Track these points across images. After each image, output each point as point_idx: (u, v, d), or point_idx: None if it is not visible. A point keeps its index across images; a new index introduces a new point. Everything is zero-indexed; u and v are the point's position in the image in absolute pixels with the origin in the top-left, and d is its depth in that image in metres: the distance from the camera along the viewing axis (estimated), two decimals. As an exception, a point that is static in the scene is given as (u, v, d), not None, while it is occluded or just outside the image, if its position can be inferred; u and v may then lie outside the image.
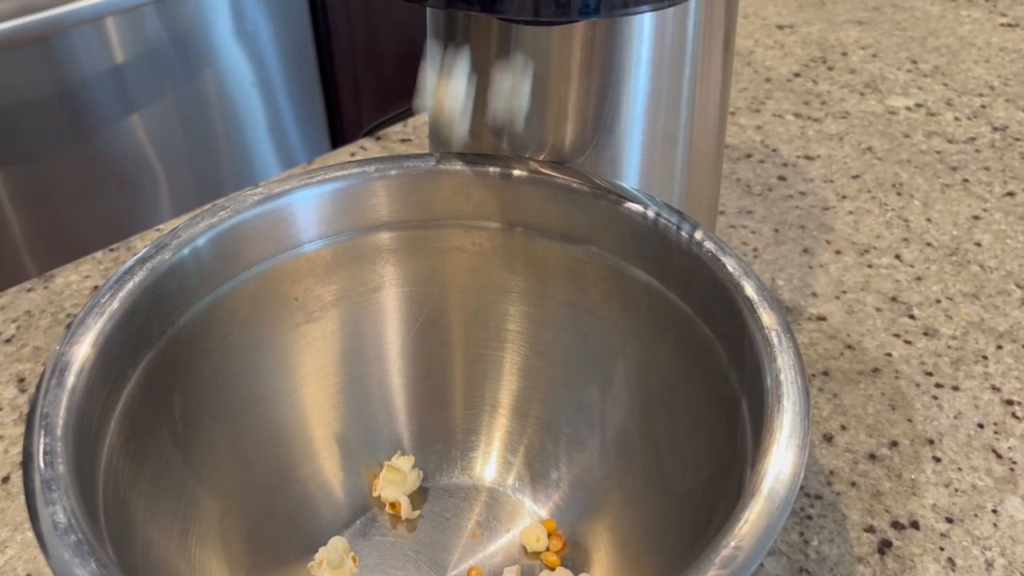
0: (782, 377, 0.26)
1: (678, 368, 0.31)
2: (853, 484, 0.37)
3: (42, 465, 0.23)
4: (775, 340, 0.27)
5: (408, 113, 0.59)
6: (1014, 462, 0.38)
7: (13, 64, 0.75)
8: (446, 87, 0.31)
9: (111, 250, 0.48)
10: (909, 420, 0.40)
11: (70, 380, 0.25)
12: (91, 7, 0.75)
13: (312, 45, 0.98)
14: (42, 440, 0.24)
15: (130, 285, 0.28)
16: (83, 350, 0.26)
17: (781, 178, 0.54)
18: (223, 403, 0.32)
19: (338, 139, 1.05)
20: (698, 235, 0.30)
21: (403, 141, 0.57)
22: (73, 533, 0.22)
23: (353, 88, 1.04)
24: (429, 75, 0.32)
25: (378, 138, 0.57)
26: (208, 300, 0.31)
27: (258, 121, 0.95)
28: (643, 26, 0.31)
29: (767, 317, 0.27)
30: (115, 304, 0.27)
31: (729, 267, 0.29)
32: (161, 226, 0.51)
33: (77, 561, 0.21)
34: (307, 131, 1.02)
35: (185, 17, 0.84)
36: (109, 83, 0.81)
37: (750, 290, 0.28)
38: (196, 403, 0.31)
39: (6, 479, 0.37)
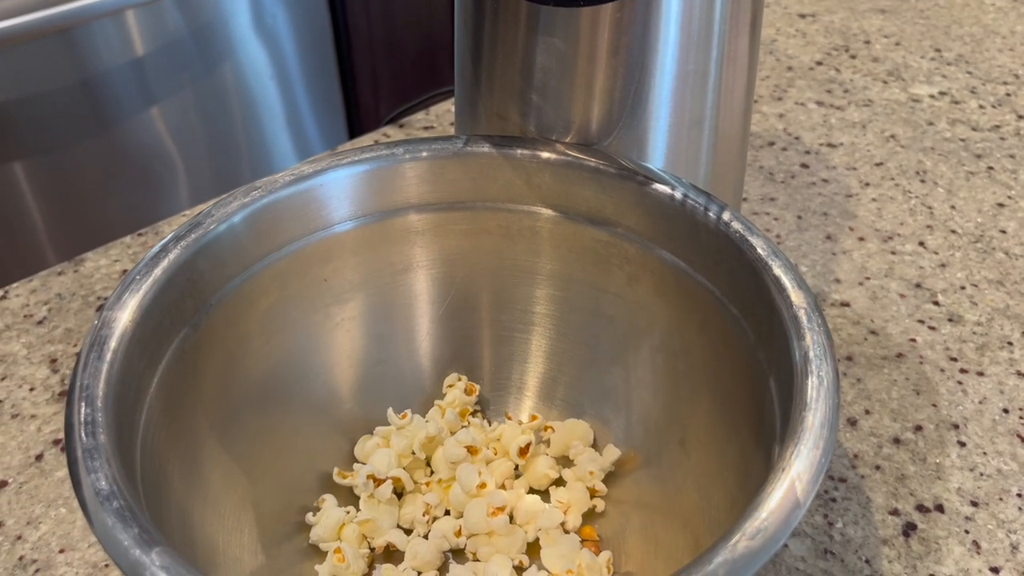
0: (811, 355, 0.26)
1: (705, 349, 0.32)
2: (877, 467, 0.37)
3: (83, 435, 0.24)
4: (804, 319, 0.27)
5: (428, 102, 0.60)
6: (1040, 447, 0.38)
7: (35, 56, 0.76)
8: None
9: (139, 235, 0.49)
10: (934, 405, 0.40)
11: (109, 353, 0.26)
12: (112, 0, 0.76)
13: (331, 37, 0.98)
14: (83, 410, 0.24)
15: (165, 262, 0.28)
16: (121, 324, 0.26)
17: (804, 165, 0.54)
18: (254, 380, 0.32)
19: (356, 131, 1.06)
20: (726, 216, 0.30)
21: (426, 128, 0.57)
22: (115, 500, 0.22)
23: (371, 80, 1.04)
24: None
25: (401, 125, 0.58)
26: (240, 279, 0.31)
27: (276, 113, 0.96)
28: (671, 8, 0.31)
29: (795, 296, 0.28)
30: (151, 280, 0.28)
31: (757, 247, 0.29)
32: (186, 212, 0.52)
33: (120, 527, 0.22)
34: (325, 123, 1.02)
35: (204, 10, 0.85)
36: (129, 75, 0.82)
37: (778, 270, 0.28)
38: (228, 380, 0.31)
39: (40, 457, 0.38)
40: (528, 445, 0.35)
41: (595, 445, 0.36)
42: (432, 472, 0.35)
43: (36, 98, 0.77)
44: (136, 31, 0.81)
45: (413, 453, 0.34)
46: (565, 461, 0.35)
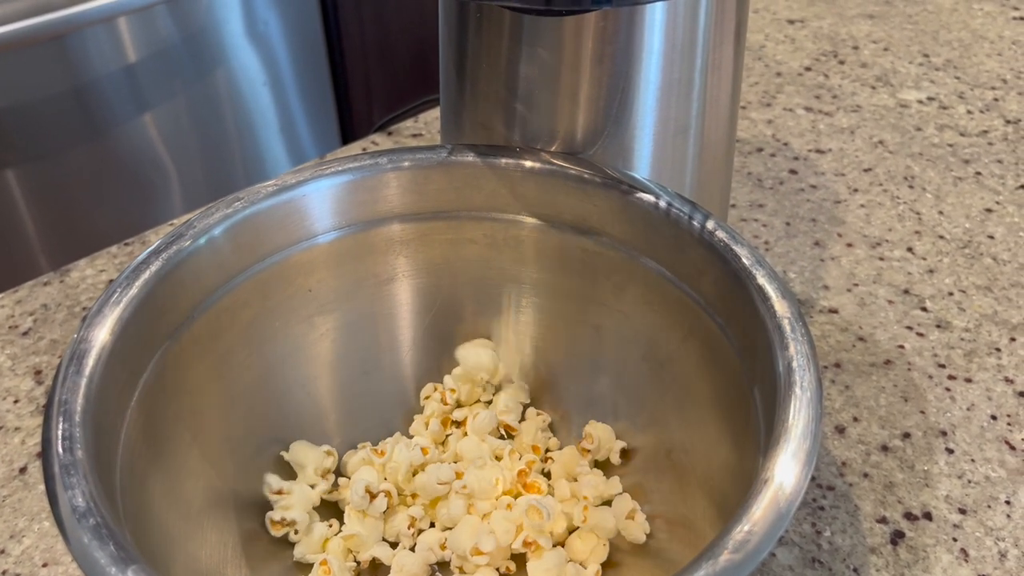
0: (794, 365, 0.26)
1: (690, 358, 0.31)
2: (866, 475, 0.37)
3: (61, 451, 0.23)
4: (787, 328, 0.27)
5: (419, 109, 0.60)
6: (1028, 454, 0.38)
7: (27, 63, 0.75)
8: None
9: (126, 244, 0.49)
10: (922, 412, 0.40)
11: (88, 368, 0.26)
12: (104, 7, 0.76)
13: (323, 44, 0.98)
14: (61, 426, 0.24)
15: (146, 275, 0.28)
16: (101, 338, 0.26)
17: (792, 172, 0.54)
18: (238, 392, 0.32)
19: (349, 138, 1.06)
20: (710, 225, 0.30)
21: (414, 136, 0.57)
22: (92, 516, 0.22)
23: (364, 86, 1.04)
24: None
25: (389, 133, 0.58)
26: (222, 291, 0.31)
27: (269, 120, 0.96)
28: (655, 16, 0.31)
29: (779, 306, 0.27)
30: (131, 293, 0.28)
31: (741, 256, 0.29)
32: (175, 220, 0.51)
33: (96, 544, 0.21)
34: (318, 129, 1.02)
35: (197, 17, 0.85)
36: (122, 82, 0.82)
37: (762, 279, 0.28)
38: (210, 393, 0.31)
39: (23, 470, 0.37)
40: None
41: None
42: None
43: (28, 105, 0.77)
44: (128, 38, 0.81)
45: (396, 483, 0.34)
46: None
